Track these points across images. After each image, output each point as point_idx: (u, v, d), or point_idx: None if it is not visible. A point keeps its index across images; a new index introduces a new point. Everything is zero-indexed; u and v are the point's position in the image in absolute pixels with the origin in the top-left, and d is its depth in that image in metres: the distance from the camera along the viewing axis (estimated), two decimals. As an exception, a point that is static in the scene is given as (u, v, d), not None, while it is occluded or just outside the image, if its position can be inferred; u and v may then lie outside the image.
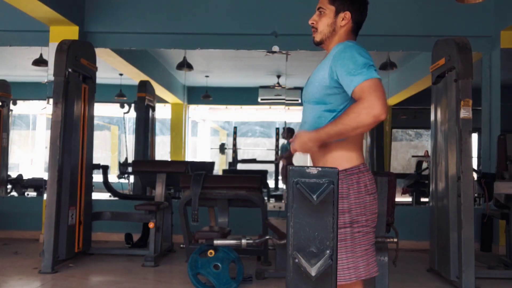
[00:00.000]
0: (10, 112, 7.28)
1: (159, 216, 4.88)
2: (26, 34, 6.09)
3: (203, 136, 9.67)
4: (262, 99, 7.69)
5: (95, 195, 5.43)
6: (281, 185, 7.43)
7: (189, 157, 8.34)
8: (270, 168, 7.92)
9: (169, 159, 7.74)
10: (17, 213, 6.07)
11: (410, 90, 7.28)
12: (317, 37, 2.09)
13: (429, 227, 4.74)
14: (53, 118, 4.50)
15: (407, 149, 8.95)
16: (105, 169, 6.15)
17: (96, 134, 5.56)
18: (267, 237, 3.80)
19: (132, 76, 7.53)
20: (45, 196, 5.05)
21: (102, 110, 7.86)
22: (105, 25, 5.99)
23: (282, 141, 7.50)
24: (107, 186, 6.13)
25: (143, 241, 5.38)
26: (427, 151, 7.53)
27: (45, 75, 6.00)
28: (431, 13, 5.85)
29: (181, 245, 4.59)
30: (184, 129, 8.28)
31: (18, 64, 7.46)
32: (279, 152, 7.65)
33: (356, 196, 1.94)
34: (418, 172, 7.33)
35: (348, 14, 2.10)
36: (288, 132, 7.05)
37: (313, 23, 2.09)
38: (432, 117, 4.70)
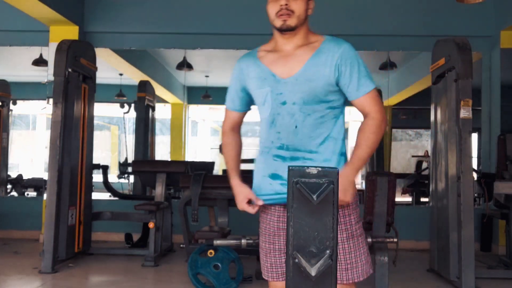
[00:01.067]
0: (10, 112, 7.28)
1: (159, 216, 4.88)
2: (26, 34, 6.09)
3: (203, 136, 9.67)
4: (262, 99, 7.66)
5: (95, 195, 5.43)
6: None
7: (189, 157, 8.34)
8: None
9: (169, 159, 7.73)
10: (17, 213, 6.07)
11: (410, 90, 7.28)
12: (293, 22, 1.81)
13: (429, 227, 4.74)
14: (53, 118, 4.50)
15: (407, 149, 8.95)
16: (105, 169, 6.15)
17: (96, 134, 5.56)
18: (267, 237, 3.80)
19: (132, 76, 7.53)
20: (45, 196, 5.05)
21: (102, 110, 7.85)
22: (105, 25, 5.99)
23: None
24: (107, 186, 6.13)
25: (143, 241, 5.38)
26: (427, 151, 7.52)
27: (45, 75, 5.99)
28: (431, 13, 5.84)
29: (181, 245, 4.59)
30: (184, 129, 8.27)
31: (18, 64, 7.46)
32: None
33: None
34: (418, 172, 7.32)
35: (313, 4, 1.89)
36: None
37: (287, 4, 1.79)
38: (432, 117, 4.70)
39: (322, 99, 1.81)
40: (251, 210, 1.87)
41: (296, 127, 1.80)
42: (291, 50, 1.86)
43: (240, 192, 1.90)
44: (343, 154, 1.87)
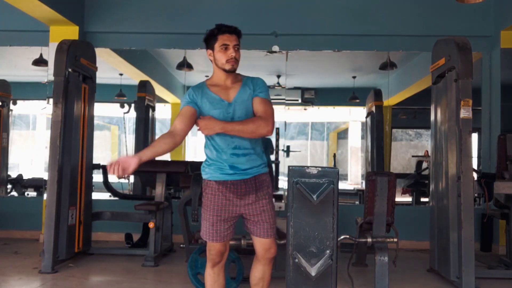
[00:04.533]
0: (10, 112, 7.28)
1: (159, 216, 4.88)
2: (26, 34, 6.09)
3: (203, 136, 9.64)
4: (262, 99, 7.67)
5: (95, 195, 5.43)
6: (281, 184, 7.43)
7: (189, 157, 8.34)
8: (270, 168, 7.91)
9: (169, 159, 7.73)
10: (17, 213, 6.07)
11: (410, 90, 7.29)
12: (236, 66, 2.71)
13: (429, 227, 4.74)
14: (53, 118, 4.50)
15: (407, 149, 8.95)
16: (105, 169, 6.13)
17: (96, 134, 5.56)
18: (267, 237, 3.79)
19: (132, 76, 7.52)
20: (45, 196, 5.05)
21: (102, 110, 7.84)
22: (105, 25, 5.99)
23: (282, 141, 7.50)
24: (107, 186, 6.12)
25: (143, 241, 5.38)
26: (427, 151, 7.52)
27: (45, 75, 5.99)
28: (431, 13, 5.85)
29: (181, 245, 4.59)
30: (184, 129, 8.24)
31: (18, 64, 7.46)
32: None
33: None
34: (418, 172, 7.32)
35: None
36: None
37: (235, 55, 2.69)
38: (432, 117, 4.70)
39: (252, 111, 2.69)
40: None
41: None
42: (229, 84, 2.71)
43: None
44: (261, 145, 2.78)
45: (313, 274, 2.38)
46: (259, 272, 2.80)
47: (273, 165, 7.98)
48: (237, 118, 2.64)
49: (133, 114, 7.51)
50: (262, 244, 2.73)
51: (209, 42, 2.72)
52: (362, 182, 8.13)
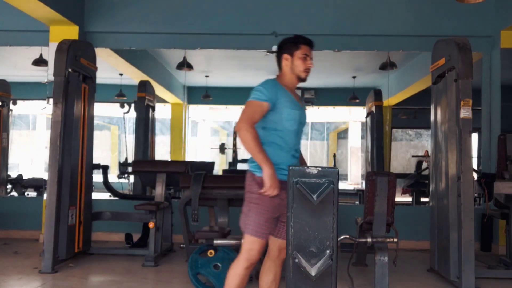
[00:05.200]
0: (10, 112, 7.28)
1: (159, 216, 4.88)
2: (26, 34, 6.09)
3: (203, 136, 9.67)
4: (262, 99, 7.66)
5: (95, 195, 5.43)
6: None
7: (189, 157, 8.34)
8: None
9: (169, 159, 7.74)
10: (17, 213, 6.07)
11: (410, 90, 7.29)
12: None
13: (429, 227, 4.74)
14: (53, 118, 4.50)
15: (407, 149, 8.96)
16: (105, 169, 6.15)
17: (96, 134, 5.56)
18: (267, 237, 3.79)
19: (132, 76, 7.53)
20: (45, 196, 5.05)
21: (102, 110, 7.86)
22: (105, 25, 5.99)
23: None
24: (107, 186, 6.13)
25: (143, 241, 5.38)
26: (427, 151, 7.53)
27: (45, 75, 5.99)
28: (431, 13, 5.85)
29: (181, 245, 4.59)
30: (184, 129, 8.27)
31: (18, 64, 7.47)
32: None
33: None
34: (418, 172, 7.33)
35: None
36: None
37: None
38: (432, 117, 4.71)
39: None
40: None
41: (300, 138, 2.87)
42: (293, 90, 2.89)
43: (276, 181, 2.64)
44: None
45: (313, 274, 2.38)
46: (272, 274, 2.87)
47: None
48: (301, 125, 2.87)
49: (133, 114, 7.52)
50: (279, 245, 2.81)
51: (288, 47, 2.85)
52: (362, 182, 8.14)
